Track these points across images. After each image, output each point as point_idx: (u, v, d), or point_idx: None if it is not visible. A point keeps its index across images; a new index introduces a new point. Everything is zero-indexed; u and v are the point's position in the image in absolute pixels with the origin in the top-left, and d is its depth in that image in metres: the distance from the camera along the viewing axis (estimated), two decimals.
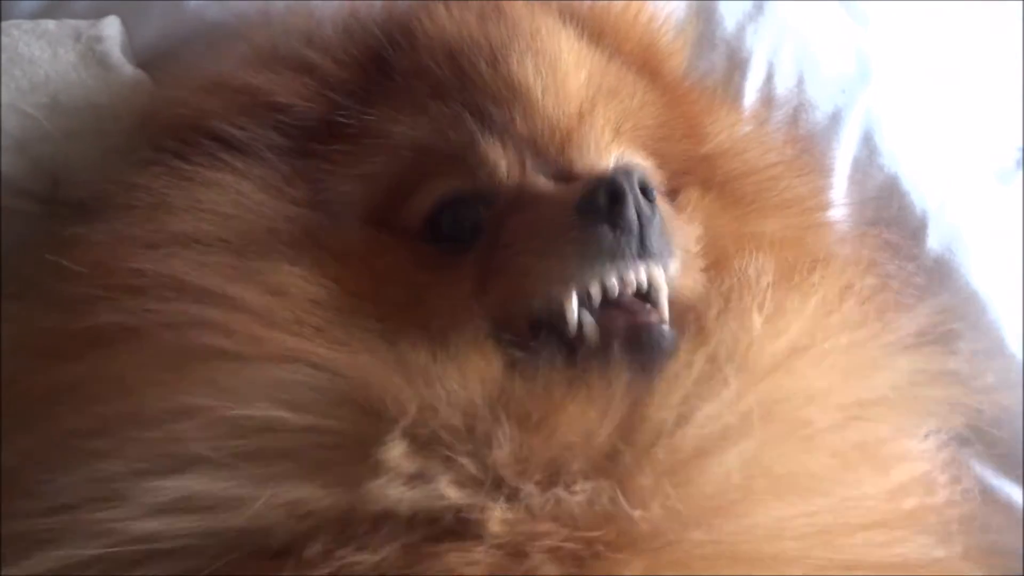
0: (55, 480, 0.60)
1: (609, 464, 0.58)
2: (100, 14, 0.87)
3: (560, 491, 0.57)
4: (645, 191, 0.65)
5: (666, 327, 0.65)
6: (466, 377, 0.60)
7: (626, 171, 0.67)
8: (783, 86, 1.00)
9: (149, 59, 0.88)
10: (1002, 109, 1.30)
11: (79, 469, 0.59)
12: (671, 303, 0.68)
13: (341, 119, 0.76)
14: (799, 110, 0.99)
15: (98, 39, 0.83)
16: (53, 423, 0.64)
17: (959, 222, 0.98)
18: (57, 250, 0.72)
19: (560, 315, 0.64)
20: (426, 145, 0.73)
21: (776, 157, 0.89)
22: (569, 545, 0.56)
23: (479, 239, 0.70)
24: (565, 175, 0.71)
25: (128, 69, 0.85)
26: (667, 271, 0.67)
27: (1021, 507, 0.91)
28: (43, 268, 0.71)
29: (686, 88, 0.88)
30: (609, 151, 0.74)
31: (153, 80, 0.86)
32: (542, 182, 0.71)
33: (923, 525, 0.68)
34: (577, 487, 0.57)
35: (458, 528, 0.56)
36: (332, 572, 0.54)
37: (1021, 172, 1.23)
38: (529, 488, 0.57)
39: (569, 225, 0.65)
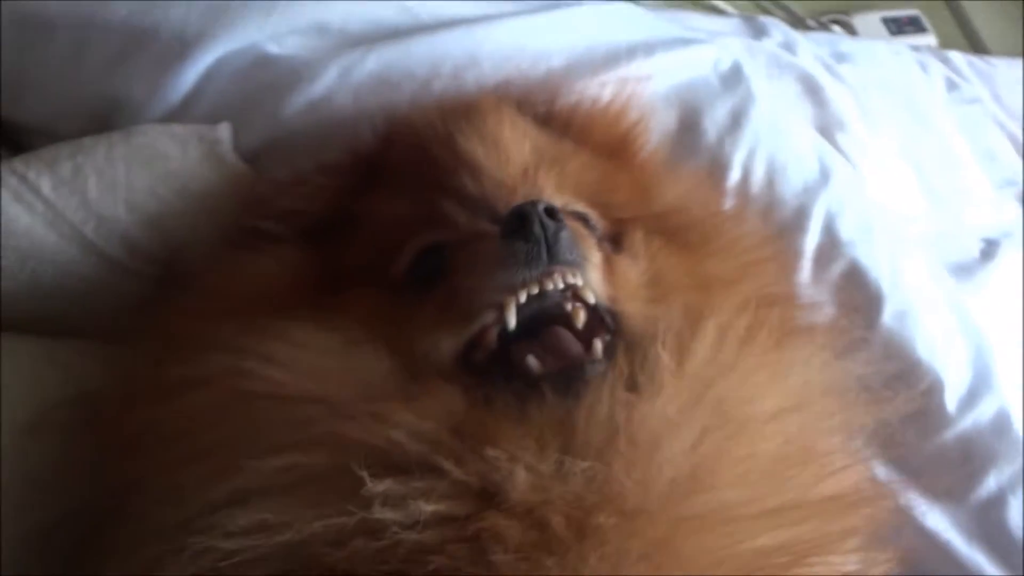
0: (160, 511, 0.72)
1: (591, 455, 0.69)
2: (215, 121, 1.07)
3: (557, 472, 0.67)
4: (551, 213, 0.77)
5: (598, 363, 0.76)
6: (426, 415, 0.71)
7: (532, 200, 0.80)
8: (756, 185, 1.16)
9: (253, 156, 1.08)
10: (965, 207, 1.48)
11: (179, 503, 0.71)
12: (618, 324, 0.80)
13: (341, 211, 0.94)
14: (770, 205, 1.16)
15: (217, 141, 1.03)
16: (148, 458, 0.76)
17: (911, 299, 1.12)
18: (150, 310, 0.91)
19: (503, 324, 0.76)
20: (403, 215, 0.89)
21: (718, 209, 1.04)
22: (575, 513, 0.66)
23: (443, 276, 0.83)
24: None
25: (238, 164, 1.04)
26: (584, 278, 0.79)
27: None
28: (142, 324, 0.89)
29: (640, 160, 1.03)
30: (552, 201, 0.84)
31: (253, 174, 1.06)
32: (488, 226, 0.82)
33: (854, 532, 0.76)
34: (574, 468, 0.67)
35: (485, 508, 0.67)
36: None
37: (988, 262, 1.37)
38: (521, 476, 0.67)
39: (497, 246, 0.78)
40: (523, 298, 0.76)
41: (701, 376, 0.76)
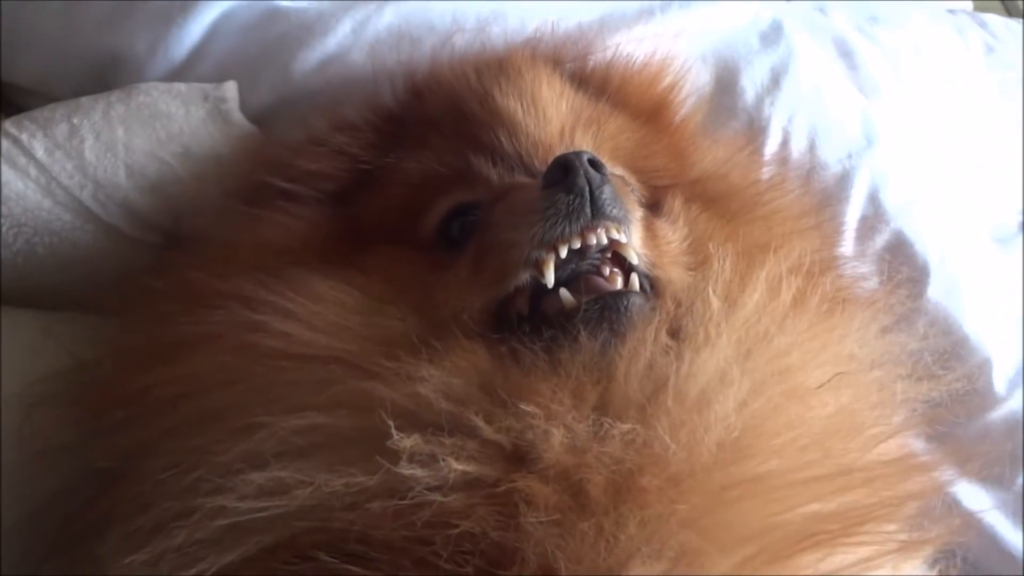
0: (168, 474, 0.67)
1: (632, 414, 0.65)
2: (221, 79, 1.01)
3: (595, 433, 0.64)
4: (595, 165, 0.73)
5: (636, 295, 0.72)
6: (454, 371, 0.68)
7: (576, 151, 0.75)
8: (797, 150, 1.11)
9: (261, 115, 1.02)
10: (1004, 176, 1.39)
11: (190, 466, 0.67)
12: (656, 287, 0.76)
13: (364, 168, 0.90)
14: (811, 171, 1.10)
15: (222, 99, 0.97)
16: (155, 421, 0.72)
17: (957, 272, 1.08)
18: (153, 274, 0.86)
19: (539, 278, 0.72)
20: (432, 173, 0.86)
21: (758, 177, 0.99)
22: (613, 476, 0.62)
23: (474, 235, 0.78)
24: None
25: (246, 125, 0.99)
26: (628, 236, 0.75)
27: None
28: (146, 287, 0.85)
29: (676, 125, 0.99)
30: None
31: (263, 135, 1.00)
32: (525, 179, 0.79)
33: (910, 499, 0.72)
34: (613, 429, 0.64)
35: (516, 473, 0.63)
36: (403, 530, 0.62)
37: (1022, 235, 1.30)
38: (558, 437, 0.63)
39: (536, 199, 0.74)
40: (563, 253, 0.73)
41: (753, 327, 0.73)
